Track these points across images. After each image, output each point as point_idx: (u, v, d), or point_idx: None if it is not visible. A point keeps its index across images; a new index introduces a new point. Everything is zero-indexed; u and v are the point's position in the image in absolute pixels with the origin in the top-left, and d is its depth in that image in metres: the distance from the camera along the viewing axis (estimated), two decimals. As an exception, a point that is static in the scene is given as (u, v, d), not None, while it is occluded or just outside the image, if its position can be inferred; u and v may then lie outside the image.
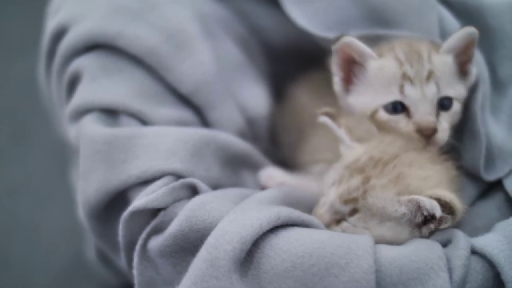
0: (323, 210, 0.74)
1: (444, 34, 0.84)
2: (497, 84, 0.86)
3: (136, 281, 0.74)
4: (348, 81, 0.81)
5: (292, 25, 0.89)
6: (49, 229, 1.23)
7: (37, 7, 1.11)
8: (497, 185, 0.80)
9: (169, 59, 0.85)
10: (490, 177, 0.80)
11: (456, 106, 0.79)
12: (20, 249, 1.21)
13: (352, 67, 0.81)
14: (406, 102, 0.77)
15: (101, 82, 0.84)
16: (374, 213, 0.70)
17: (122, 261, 0.79)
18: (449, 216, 0.67)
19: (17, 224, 1.25)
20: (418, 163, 0.72)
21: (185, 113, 0.86)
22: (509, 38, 0.86)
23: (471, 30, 0.78)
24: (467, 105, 0.82)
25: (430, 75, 0.77)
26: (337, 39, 0.79)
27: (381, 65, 0.79)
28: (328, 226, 0.73)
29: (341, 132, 0.77)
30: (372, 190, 0.70)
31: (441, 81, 0.77)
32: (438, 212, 0.66)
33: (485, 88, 0.82)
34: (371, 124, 0.79)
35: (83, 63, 0.85)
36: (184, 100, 0.87)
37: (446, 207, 0.67)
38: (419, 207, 0.67)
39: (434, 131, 0.76)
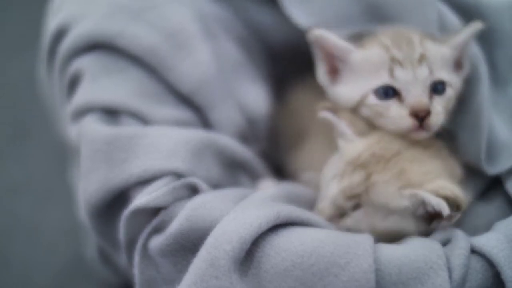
0: (323, 204, 0.74)
1: (443, 30, 0.83)
2: (497, 82, 0.85)
3: (136, 280, 0.74)
4: (333, 71, 0.80)
5: (292, 25, 0.89)
6: (49, 229, 1.23)
7: (37, 7, 1.11)
8: (497, 184, 0.80)
9: (169, 58, 0.85)
10: (492, 170, 0.80)
11: (450, 92, 0.77)
12: (20, 249, 1.21)
13: (335, 58, 0.79)
14: (397, 86, 0.75)
15: (102, 82, 0.84)
16: (378, 208, 0.70)
17: (122, 259, 0.79)
18: (457, 213, 0.67)
19: (17, 224, 1.25)
20: (419, 159, 0.72)
21: (186, 113, 0.86)
22: (509, 37, 0.86)
23: (479, 26, 0.78)
24: (467, 99, 0.81)
25: (422, 58, 0.75)
26: (308, 31, 0.77)
27: (364, 55, 0.77)
28: (329, 220, 0.73)
29: (343, 125, 0.76)
30: (375, 186, 0.70)
31: (434, 65, 0.76)
32: (445, 211, 0.66)
33: (486, 82, 0.82)
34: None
35: (84, 63, 0.85)
36: (184, 99, 0.87)
37: (453, 203, 0.67)
38: (422, 202, 0.68)
39: (428, 113, 0.74)
